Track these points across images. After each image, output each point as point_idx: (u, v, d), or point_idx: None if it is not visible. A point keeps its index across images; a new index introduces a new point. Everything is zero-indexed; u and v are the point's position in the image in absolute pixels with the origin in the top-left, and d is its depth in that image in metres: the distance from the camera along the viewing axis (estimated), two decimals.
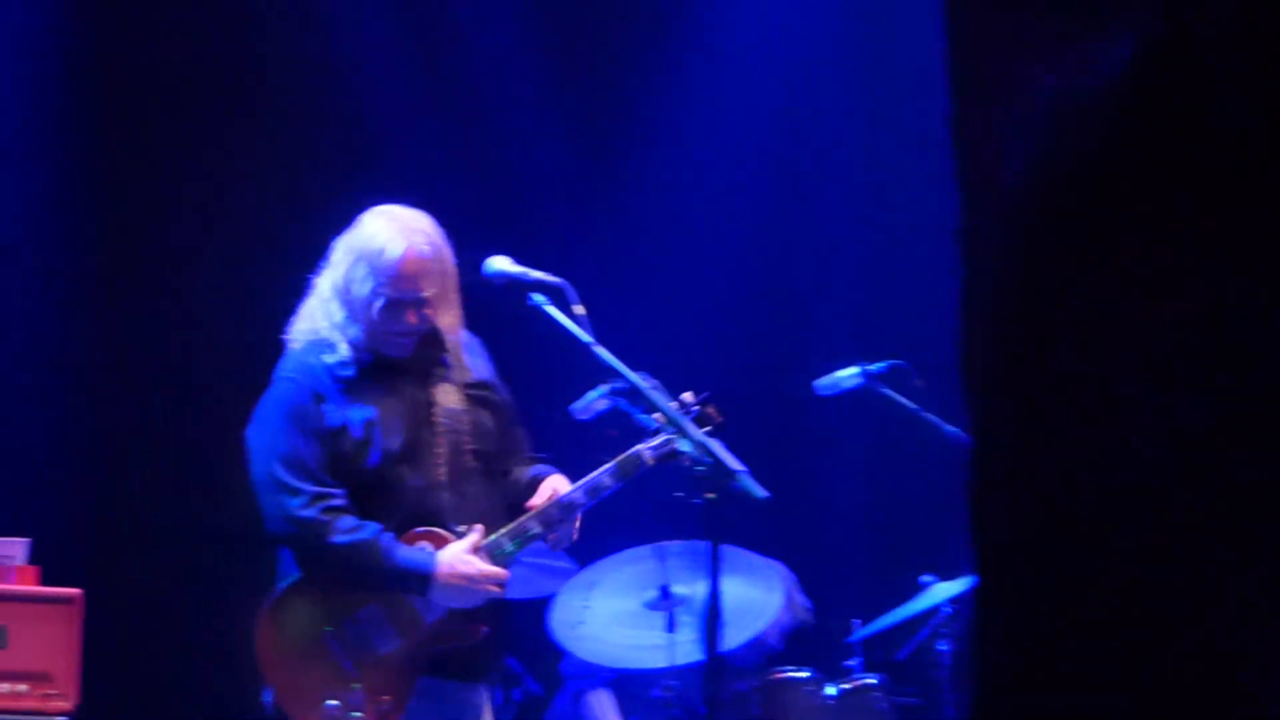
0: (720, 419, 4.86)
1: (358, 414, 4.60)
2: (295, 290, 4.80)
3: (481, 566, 4.51)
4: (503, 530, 4.53)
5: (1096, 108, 1.00)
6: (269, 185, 7.53)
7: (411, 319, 4.64)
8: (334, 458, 4.59)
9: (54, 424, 7.21)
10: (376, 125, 7.84)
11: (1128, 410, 1.04)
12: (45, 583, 5.69)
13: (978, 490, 1.14)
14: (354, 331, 4.67)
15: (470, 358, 4.87)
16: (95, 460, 7.31)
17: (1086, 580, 1.07)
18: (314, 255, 4.84)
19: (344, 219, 4.82)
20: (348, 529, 4.48)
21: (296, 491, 4.49)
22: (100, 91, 7.52)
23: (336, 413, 4.57)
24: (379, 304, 4.60)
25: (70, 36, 7.39)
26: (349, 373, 4.65)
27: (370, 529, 4.48)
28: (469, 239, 5.04)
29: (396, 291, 4.60)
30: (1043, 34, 1.04)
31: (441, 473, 4.72)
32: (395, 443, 4.60)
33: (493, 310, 5.06)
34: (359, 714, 4.41)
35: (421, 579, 4.54)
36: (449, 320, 4.80)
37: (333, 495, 4.52)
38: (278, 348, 4.77)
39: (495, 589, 4.56)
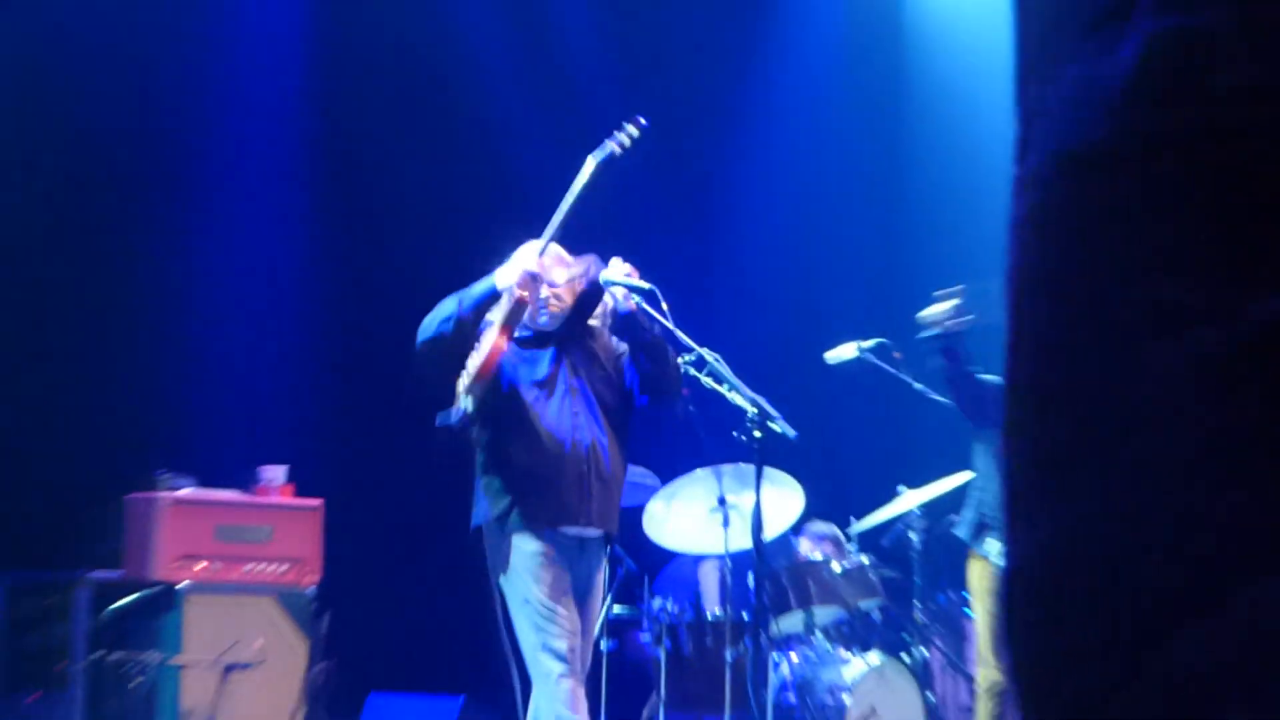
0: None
1: (512, 362, 5.35)
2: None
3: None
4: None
5: (1107, 92, 0.87)
6: (458, 207, 8.39)
7: (544, 293, 5.36)
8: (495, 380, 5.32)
9: (307, 380, 8.08)
10: (519, 169, 8.63)
11: (1151, 393, 0.84)
12: (298, 495, 6.71)
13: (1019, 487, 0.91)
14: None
15: (611, 341, 5.58)
16: (335, 405, 8.13)
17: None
18: (484, 263, 5.50)
19: (505, 241, 5.52)
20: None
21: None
22: (337, 127, 8.41)
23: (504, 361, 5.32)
24: (523, 284, 5.28)
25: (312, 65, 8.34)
26: (517, 338, 5.37)
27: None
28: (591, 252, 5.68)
29: (531, 274, 5.32)
30: (1077, 24, 0.91)
31: (565, 403, 5.34)
32: (533, 377, 5.37)
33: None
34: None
35: (489, 278, 5.23)
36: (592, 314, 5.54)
37: None
38: None
39: (531, 261, 5.19)
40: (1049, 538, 0.90)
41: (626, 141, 5.36)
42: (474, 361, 5.22)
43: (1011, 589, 0.94)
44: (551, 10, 9.20)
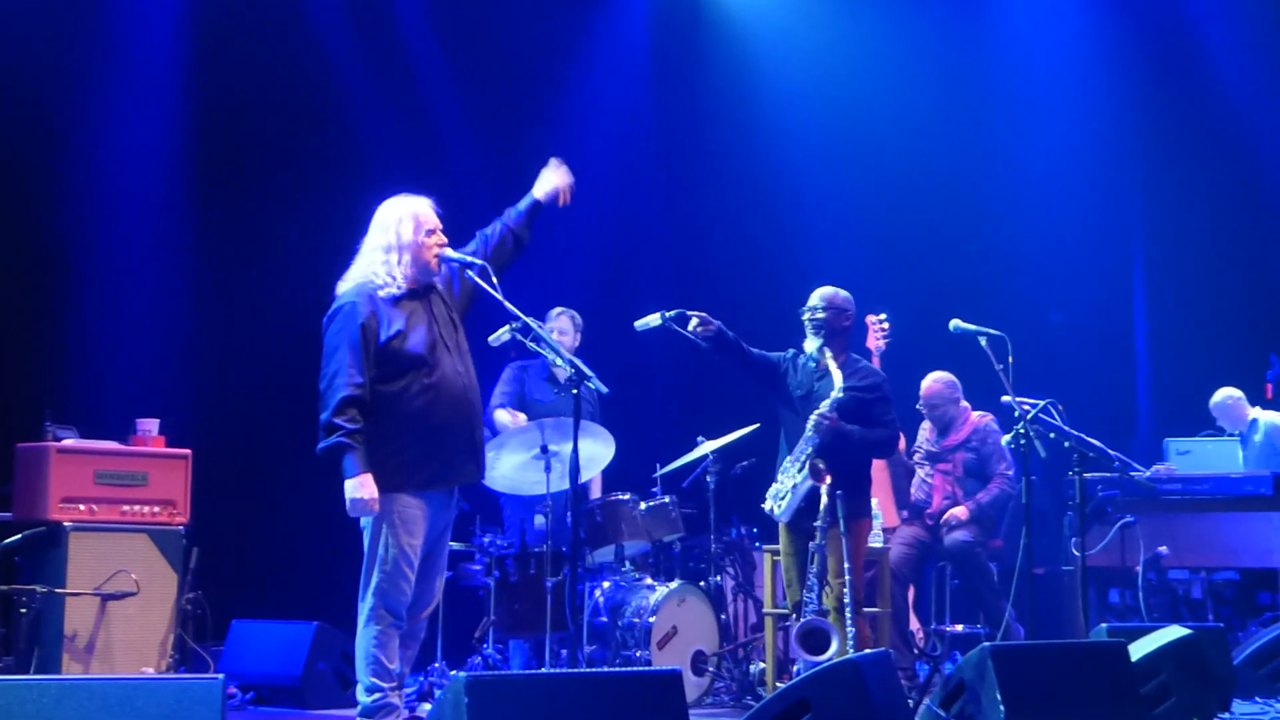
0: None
1: (399, 322, 5.23)
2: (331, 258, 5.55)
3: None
4: None
5: None
6: (316, 191, 8.67)
7: (441, 237, 5.38)
8: (380, 349, 5.15)
9: (178, 344, 8.42)
10: (373, 152, 9.04)
11: None
12: (169, 445, 7.08)
13: None
14: (404, 267, 5.28)
15: (455, 287, 5.52)
16: (202, 367, 8.48)
17: None
18: (334, 237, 5.66)
19: (351, 217, 5.55)
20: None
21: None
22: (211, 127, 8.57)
23: (386, 320, 5.22)
24: (423, 233, 5.31)
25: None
26: (392, 297, 5.28)
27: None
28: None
29: (430, 221, 5.37)
30: None
31: (446, 348, 5.31)
32: (421, 336, 5.25)
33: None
34: None
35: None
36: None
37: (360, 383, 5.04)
38: (325, 294, 5.43)
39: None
40: None
41: None
42: None
43: None
44: (399, 19, 9.68)
